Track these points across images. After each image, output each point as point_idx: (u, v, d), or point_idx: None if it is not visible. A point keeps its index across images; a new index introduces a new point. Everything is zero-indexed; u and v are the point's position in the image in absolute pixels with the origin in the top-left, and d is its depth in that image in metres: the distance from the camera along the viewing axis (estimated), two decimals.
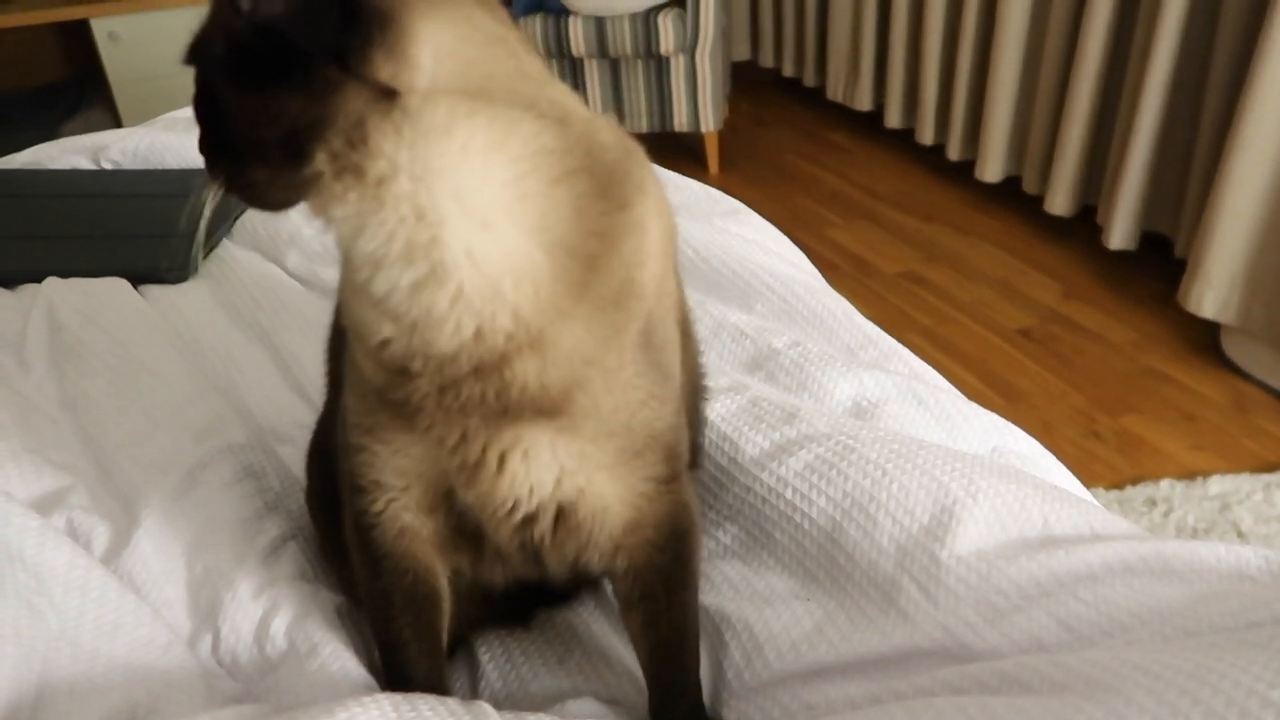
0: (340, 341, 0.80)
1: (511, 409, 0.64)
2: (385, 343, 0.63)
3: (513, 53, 0.59)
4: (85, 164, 1.78)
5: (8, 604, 0.76)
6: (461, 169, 0.56)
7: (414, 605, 0.76)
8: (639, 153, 0.67)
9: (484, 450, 0.66)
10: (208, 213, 0.63)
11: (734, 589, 0.88)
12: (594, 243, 0.62)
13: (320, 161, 0.55)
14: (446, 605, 0.78)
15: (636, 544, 0.74)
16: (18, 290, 1.37)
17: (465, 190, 0.57)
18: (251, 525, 0.95)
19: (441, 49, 0.55)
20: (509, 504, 0.69)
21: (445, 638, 0.79)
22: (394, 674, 0.78)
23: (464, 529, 0.74)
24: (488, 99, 0.56)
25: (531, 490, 0.69)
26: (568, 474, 0.69)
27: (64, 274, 1.35)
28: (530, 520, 0.71)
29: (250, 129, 0.56)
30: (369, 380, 0.67)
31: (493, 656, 0.89)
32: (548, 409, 0.65)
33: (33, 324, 1.25)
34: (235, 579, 0.89)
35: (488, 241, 0.58)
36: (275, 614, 0.86)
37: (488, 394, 0.63)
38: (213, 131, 0.60)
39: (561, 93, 0.62)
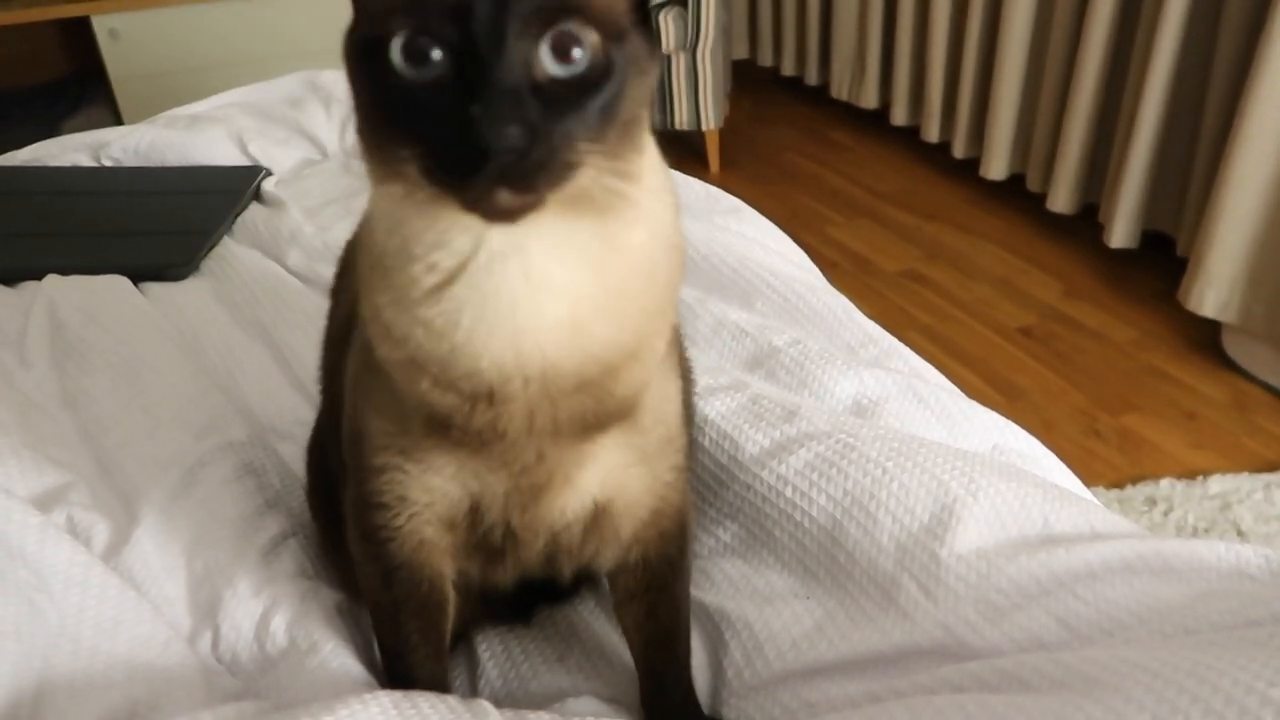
0: (338, 355, 0.78)
1: (602, 420, 0.64)
2: (476, 371, 0.60)
3: None
4: (86, 161, 1.78)
5: (9, 601, 0.76)
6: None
7: (424, 612, 0.75)
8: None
9: (555, 469, 0.66)
10: None
11: (734, 587, 0.88)
12: (680, 240, 0.65)
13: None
14: (452, 609, 0.78)
15: (652, 536, 0.75)
16: (18, 287, 1.37)
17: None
18: (252, 522, 0.95)
19: None
20: (563, 518, 0.70)
21: (448, 639, 0.79)
22: (397, 675, 0.78)
23: (485, 540, 0.73)
24: None
25: (582, 499, 0.70)
26: (609, 473, 0.69)
27: (64, 271, 1.35)
28: (566, 527, 0.72)
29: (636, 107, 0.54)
30: (422, 406, 0.63)
31: (493, 655, 0.89)
32: (625, 413, 0.66)
33: (33, 321, 1.25)
34: (235, 576, 0.89)
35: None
36: (275, 611, 0.86)
37: (585, 408, 0.63)
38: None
39: None
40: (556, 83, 0.49)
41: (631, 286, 0.61)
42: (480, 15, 0.47)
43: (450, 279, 0.57)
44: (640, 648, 0.80)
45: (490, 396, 0.61)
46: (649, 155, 0.59)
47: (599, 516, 0.72)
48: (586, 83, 0.50)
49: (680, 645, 0.80)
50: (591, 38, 0.50)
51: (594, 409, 0.63)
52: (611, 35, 0.51)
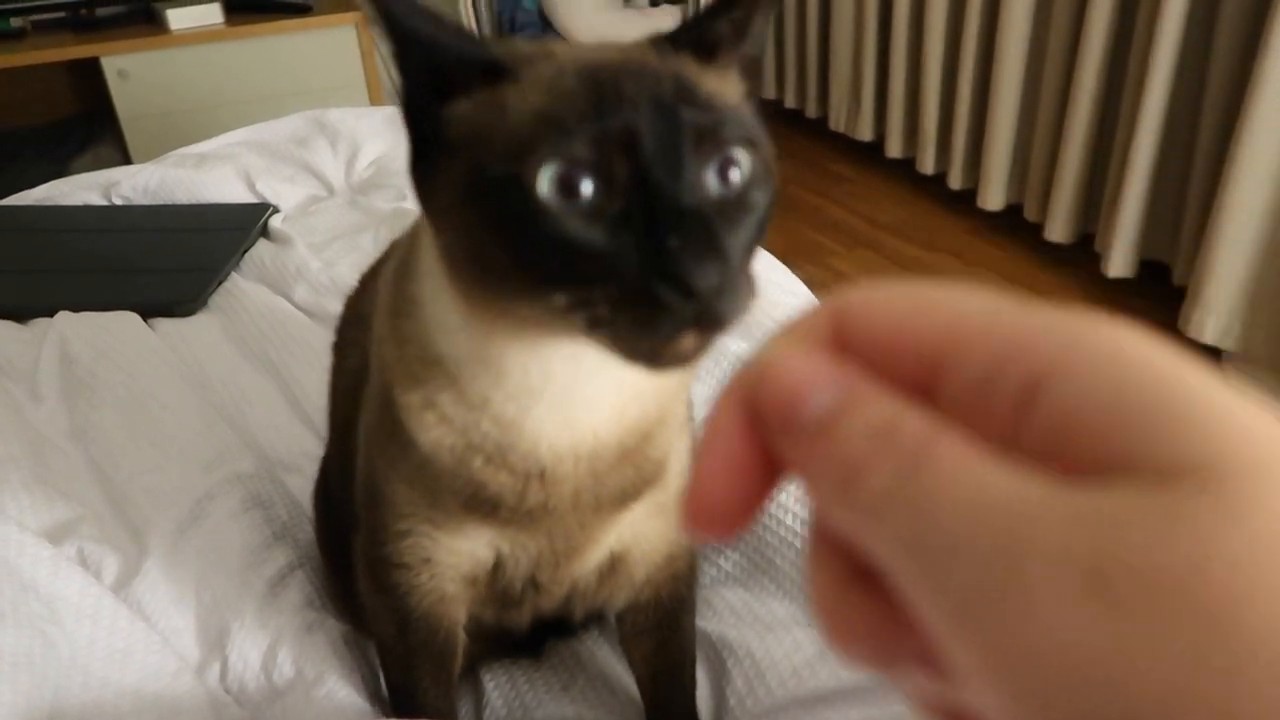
0: (350, 407, 0.78)
1: (639, 487, 0.65)
2: (534, 454, 0.60)
3: None
4: (97, 200, 1.81)
5: (21, 632, 0.77)
6: None
7: (437, 658, 0.76)
8: None
9: (591, 535, 0.68)
10: None
11: (736, 616, 0.89)
12: None
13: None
14: (461, 650, 0.78)
15: (665, 578, 0.77)
16: (30, 324, 1.39)
17: None
18: (259, 554, 0.96)
19: None
20: (585, 570, 0.72)
21: (457, 677, 0.80)
22: (404, 710, 0.79)
23: (505, 591, 0.73)
24: None
25: (601, 552, 0.71)
26: (629, 526, 0.71)
27: (75, 308, 1.37)
28: (583, 575, 0.73)
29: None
30: (469, 485, 0.62)
31: (498, 684, 0.89)
32: (658, 477, 0.67)
33: (44, 357, 1.27)
34: (243, 607, 0.90)
35: None
36: (282, 642, 0.87)
37: (626, 477, 0.64)
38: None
39: None
40: (719, 205, 0.44)
41: None
42: (651, 140, 0.42)
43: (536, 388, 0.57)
44: (648, 681, 0.81)
45: (542, 476, 0.61)
46: None
47: (616, 564, 0.74)
48: (743, 202, 0.45)
49: (686, 676, 0.81)
50: (748, 157, 0.45)
51: (634, 478, 0.64)
52: (759, 149, 0.46)
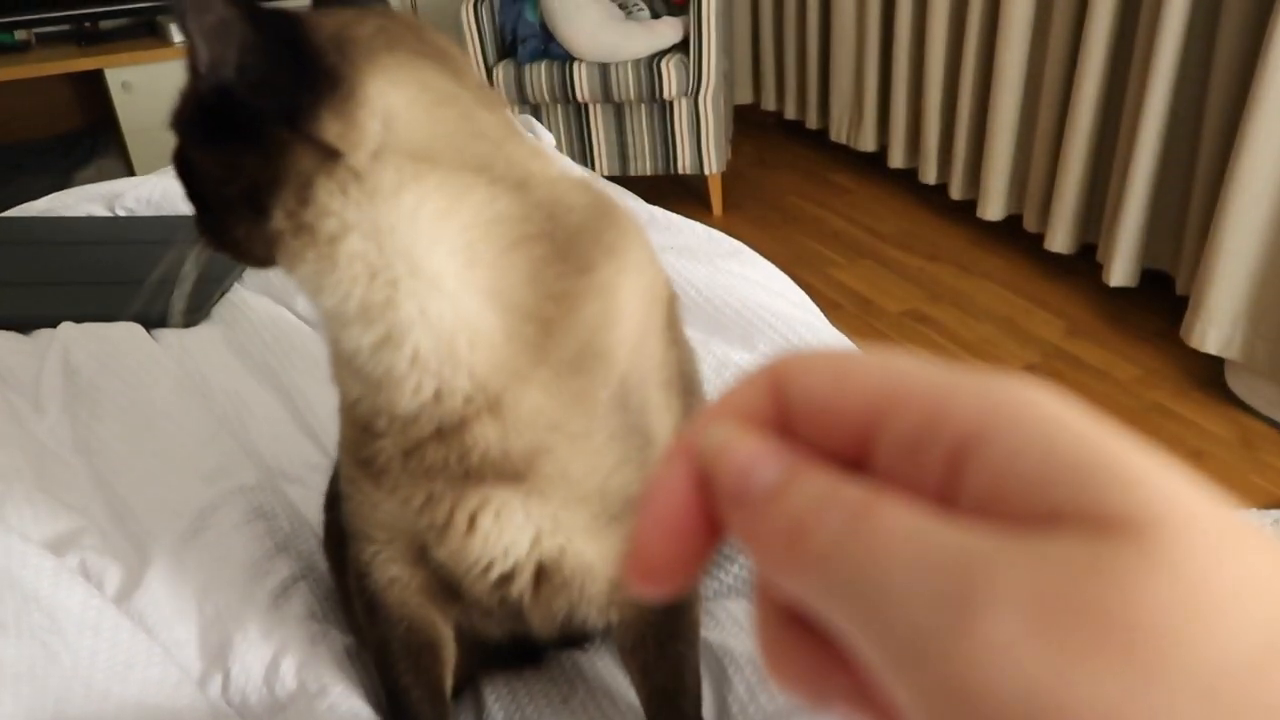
0: None
1: (473, 473, 0.63)
2: (356, 401, 0.64)
3: (466, 114, 0.59)
4: (100, 211, 1.81)
5: (23, 643, 0.77)
6: (411, 231, 0.56)
7: (411, 654, 0.76)
8: (614, 214, 0.66)
9: (451, 511, 0.65)
10: (190, 267, 0.65)
11: (737, 625, 0.89)
12: (550, 306, 0.61)
13: (278, 218, 0.56)
14: (448, 654, 0.78)
15: (626, 603, 0.74)
16: (33, 335, 1.39)
17: (416, 252, 0.57)
18: (262, 566, 0.96)
19: (391, 111, 0.56)
20: (483, 563, 0.68)
21: (449, 684, 0.79)
22: (397, 715, 0.79)
23: (446, 584, 0.74)
24: (435, 163, 0.57)
25: (506, 551, 0.68)
26: (546, 534, 0.67)
27: (79, 319, 1.37)
28: (508, 579, 0.70)
29: (217, 186, 0.58)
30: (344, 435, 0.69)
31: (498, 696, 0.89)
32: (510, 474, 0.64)
33: (47, 368, 1.27)
34: (245, 619, 0.90)
35: (441, 303, 0.58)
36: (285, 654, 0.87)
37: (450, 458, 0.63)
38: (190, 191, 0.63)
39: (525, 152, 0.62)
40: None
41: (459, 342, 0.61)
42: None
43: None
44: (644, 702, 0.79)
45: (370, 429, 0.64)
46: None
47: (550, 576, 0.70)
48: None
49: (685, 704, 0.78)
50: None
51: (458, 460, 0.62)
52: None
